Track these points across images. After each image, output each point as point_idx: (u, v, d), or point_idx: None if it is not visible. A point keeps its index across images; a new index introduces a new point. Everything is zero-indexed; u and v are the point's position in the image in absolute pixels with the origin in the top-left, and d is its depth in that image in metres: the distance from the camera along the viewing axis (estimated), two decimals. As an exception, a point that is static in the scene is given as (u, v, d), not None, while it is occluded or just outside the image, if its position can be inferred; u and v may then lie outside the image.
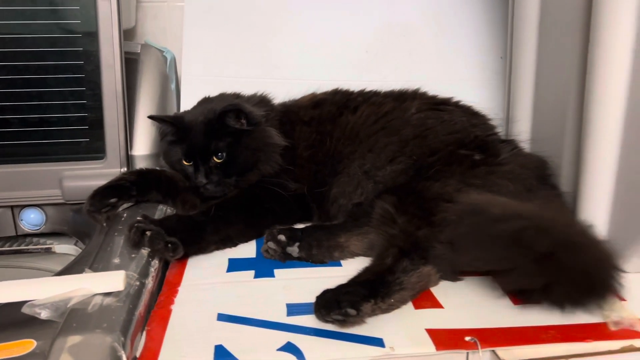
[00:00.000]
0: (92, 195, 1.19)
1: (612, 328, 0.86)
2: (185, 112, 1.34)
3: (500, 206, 0.95)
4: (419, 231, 1.00)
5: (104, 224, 1.17)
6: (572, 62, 1.11)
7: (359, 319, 0.87)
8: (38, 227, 1.46)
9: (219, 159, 1.23)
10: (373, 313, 0.90)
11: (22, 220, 1.44)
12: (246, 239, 1.19)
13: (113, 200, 1.20)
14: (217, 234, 1.14)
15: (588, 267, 0.89)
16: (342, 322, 0.87)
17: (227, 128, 1.23)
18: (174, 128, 1.27)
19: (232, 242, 1.17)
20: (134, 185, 1.24)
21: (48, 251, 1.47)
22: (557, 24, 1.19)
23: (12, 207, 1.42)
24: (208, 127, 1.24)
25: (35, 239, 1.51)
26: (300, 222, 1.26)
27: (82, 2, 1.33)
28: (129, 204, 1.25)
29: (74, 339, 0.74)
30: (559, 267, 0.88)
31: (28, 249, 1.46)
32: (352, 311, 0.86)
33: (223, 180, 1.24)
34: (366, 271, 0.97)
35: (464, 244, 0.95)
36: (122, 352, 0.74)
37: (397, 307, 0.93)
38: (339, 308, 0.86)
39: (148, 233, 1.03)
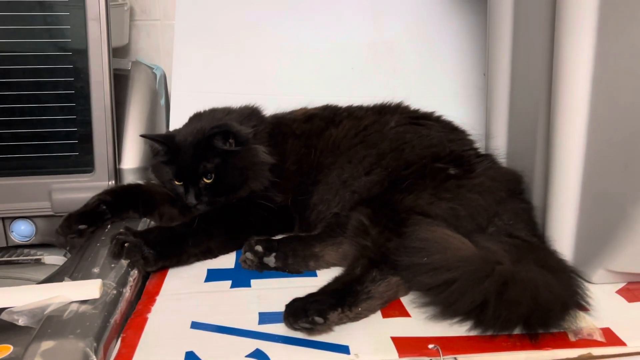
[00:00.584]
0: (65, 218, 1.22)
1: (572, 338, 0.89)
2: (177, 131, 1.37)
3: (442, 251, 0.98)
4: (390, 243, 1.03)
5: (67, 248, 1.19)
6: (541, 77, 1.14)
7: (326, 327, 0.91)
8: (28, 239, 1.49)
9: (208, 179, 1.25)
10: (340, 321, 0.93)
11: (12, 231, 1.48)
12: (227, 251, 1.22)
13: (82, 227, 1.21)
14: (198, 247, 1.17)
15: (531, 311, 0.89)
16: (310, 330, 0.90)
17: (215, 149, 1.26)
18: (165, 147, 1.29)
19: (213, 254, 1.20)
20: (109, 208, 1.26)
21: (38, 262, 1.50)
22: (527, 42, 1.23)
23: (2, 218, 1.46)
24: (197, 149, 1.26)
25: (26, 250, 1.54)
26: (282, 232, 1.28)
27: (73, 21, 1.37)
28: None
29: (47, 344, 0.77)
30: (495, 314, 0.89)
31: (18, 260, 1.50)
32: (319, 319, 0.89)
33: (213, 200, 1.26)
34: (335, 281, 1.00)
35: (408, 275, 0.99)
36: (94, 357, 0.78)
37: (365, 315, 0.96)
38: (306, 316, 0.89)
39: (126, 245, 1.06)
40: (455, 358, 0.86)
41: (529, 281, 0.91)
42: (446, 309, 0.94)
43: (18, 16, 1.36)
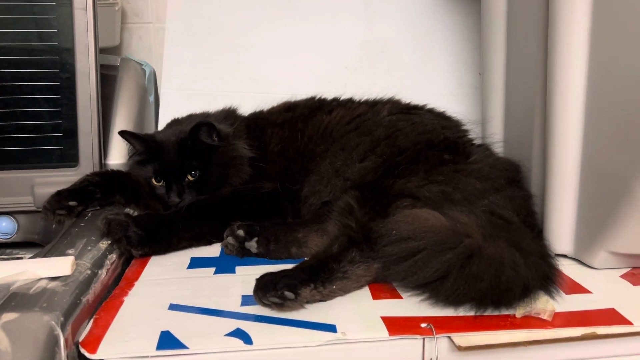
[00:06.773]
0: (55, 194, 1.17)
1: (518, 315, 0.84)
2: (156, 132, 1.35)
3: (410, 222, 0.93)
4: (372, 222, 0.98)
5: (54, 226, 1.15)
6: (537, 64, 1.11)
7: (297, 304, 0.86)
8: (9, 236, 1.44)
9: (193, 177, 1.23)
10: (312, 298, 0.88)
11: (-7, 228, 1.43)
12: (220, 237, 1.15)
13: (72, 203, 1.17)
14: (189, 231, 1.13)
15: (491, 287, 0.85)
16: (280, 306, 0.85)
17: (199, 145, 1.24)
18: (145, 146, 1.26)
19: (205, 239, 1.16)
20: (97, 188, 1.21)
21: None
22: (522, 32, 1.20)
23: (-17, 215, 1.41)
24: (181, 146, 1.24)
25: (7, 251, 1.49)
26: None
27: (59, 11, 1.34)
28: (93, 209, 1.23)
29: (9, 316, 0.71)
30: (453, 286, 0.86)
31: (-3, 259, 1.44)
32: (289, 294, 0.85)
33: (196, 198, 1.23)
34: (311, 258, 0.97)
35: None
36: (60, 331, 0.72)
37: (339, 295, 0.91)
38: (275, 290, 0.85)
39: (112, 222, 1.02)
40: (449, 337, 0.80)
41: (495, 257, 0.87)
42: (407, 278, 0.89)
43: (3, 5, 1.34)
